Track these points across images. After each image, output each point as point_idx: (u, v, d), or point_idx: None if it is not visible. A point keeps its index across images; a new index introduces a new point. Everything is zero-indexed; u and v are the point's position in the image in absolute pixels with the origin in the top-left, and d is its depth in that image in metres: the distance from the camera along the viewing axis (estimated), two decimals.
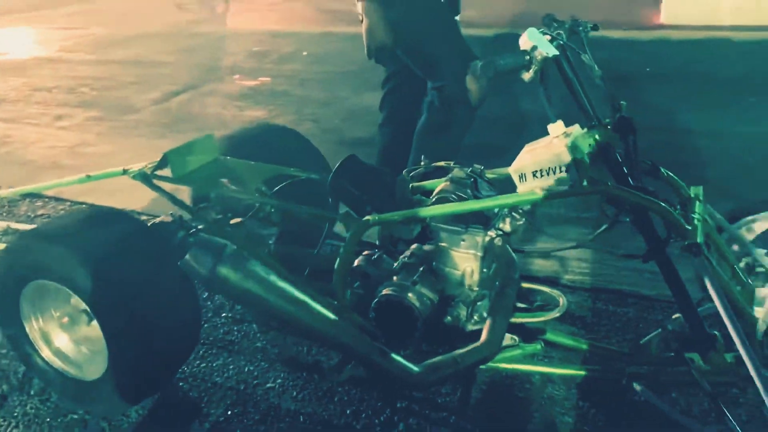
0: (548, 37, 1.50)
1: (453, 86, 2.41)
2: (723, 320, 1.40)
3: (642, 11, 6.95)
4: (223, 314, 2.38)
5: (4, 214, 3.16)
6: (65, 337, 1.94)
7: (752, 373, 1.37)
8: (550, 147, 1.55)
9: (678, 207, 1.58)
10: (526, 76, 1.45)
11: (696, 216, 1.53)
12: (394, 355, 1.65)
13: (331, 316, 1.76)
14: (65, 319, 1.93)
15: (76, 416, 1.92)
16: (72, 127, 4.84)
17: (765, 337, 1.63)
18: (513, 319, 1.79)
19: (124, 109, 5.20)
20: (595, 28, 1.75)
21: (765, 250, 1.88)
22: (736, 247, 1.87)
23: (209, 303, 2.43)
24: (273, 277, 1.78)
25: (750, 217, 1.96)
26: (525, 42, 1.45)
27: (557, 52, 1.48)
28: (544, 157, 1.54)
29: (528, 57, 1.42)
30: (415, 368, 1.62)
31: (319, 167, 2.30)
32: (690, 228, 1.46)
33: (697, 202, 1.61)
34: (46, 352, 1.91)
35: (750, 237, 1.96)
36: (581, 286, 2.42)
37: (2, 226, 2.77)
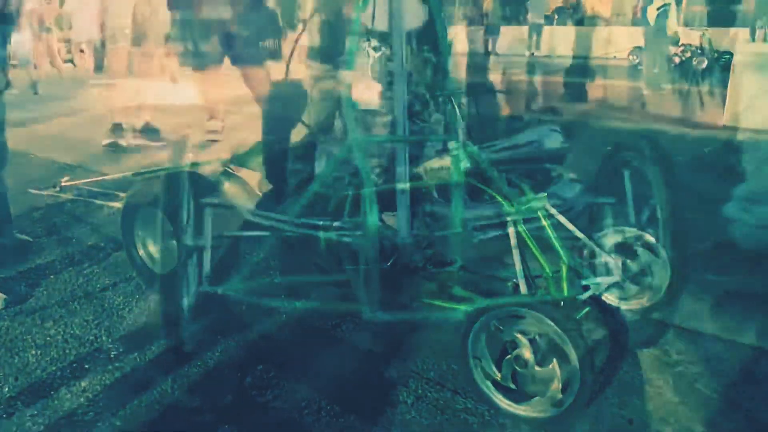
0: None
1: None
2: None
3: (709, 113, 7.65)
4: None
5: None
6: (155, 246, 3.12)
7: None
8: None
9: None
10: None
11: (522, 205, 2.39)
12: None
13: None
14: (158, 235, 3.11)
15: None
16: None
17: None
18: None
19: None
20: None
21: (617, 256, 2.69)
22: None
23: None
24: None
25: (604, 231, 2.78)
26: None
27: None
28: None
29: None
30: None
31: None
32: (510, 207, 2.34)
33: (534, 201, 2.46)
34: (141, 252, 3.12)
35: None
36: None
37: None
